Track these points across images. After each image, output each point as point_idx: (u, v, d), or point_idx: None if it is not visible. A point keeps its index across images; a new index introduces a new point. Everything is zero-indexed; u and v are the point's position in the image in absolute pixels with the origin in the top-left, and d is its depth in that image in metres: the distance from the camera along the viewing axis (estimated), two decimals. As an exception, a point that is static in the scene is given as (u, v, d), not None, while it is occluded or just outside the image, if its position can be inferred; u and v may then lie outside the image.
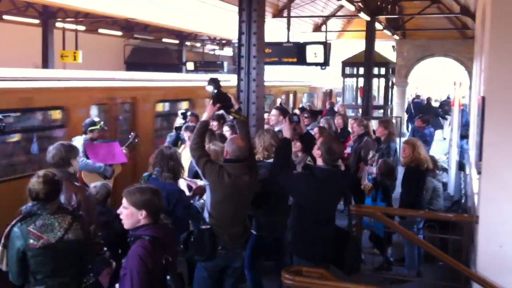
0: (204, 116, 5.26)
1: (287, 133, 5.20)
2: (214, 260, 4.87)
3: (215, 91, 5.24)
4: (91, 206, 4.71)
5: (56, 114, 8.31)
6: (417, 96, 25.45)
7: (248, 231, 5.29)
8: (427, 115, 15.38)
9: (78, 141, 7.33)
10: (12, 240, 3.80)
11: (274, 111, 8.86)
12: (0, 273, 4.01)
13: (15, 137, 7.76)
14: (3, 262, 3.91)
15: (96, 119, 7.74)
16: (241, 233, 5.06)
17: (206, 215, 4.98)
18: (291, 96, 18.66)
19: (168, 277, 3.59)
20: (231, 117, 5.88)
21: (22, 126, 7.88)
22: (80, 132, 7.56)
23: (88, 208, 4.60)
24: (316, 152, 4.92)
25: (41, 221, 3.81)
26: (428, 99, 21.13)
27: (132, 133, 8.42)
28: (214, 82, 5.28)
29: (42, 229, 3.79)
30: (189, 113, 8.81)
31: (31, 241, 3.76)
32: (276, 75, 16.46)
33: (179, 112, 9.00)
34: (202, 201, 5.45)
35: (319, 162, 4.92)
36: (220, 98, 5.22)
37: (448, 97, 24.20)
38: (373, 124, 11.40)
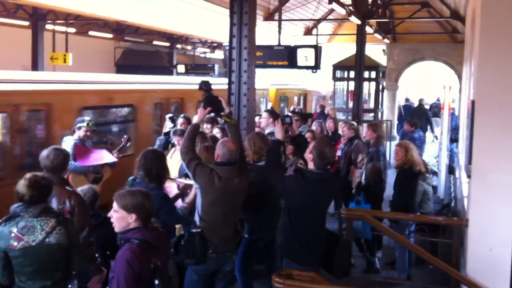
0: (195, 119, 5.23)
1: (279, 135, 5.20)
2: (205, 263, 4.85)
3: (206, 94, 5.23)
4: (85, 210, 4.72)
5: (128, 111, 10.37)
6: (407, 100, 25.51)
7: (239, 234, 5.26)
8: (416, 118, 15.32)
9: (69, 142, 7.27)
10: None
11: (264, 114, 8.83)
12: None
13: (104, 127, 9.95)
14: None
15: (87, 118, 7.68)
16: (232, 236, 5.04)
17: (196, 218, 4.96)
18: (301, 98, 20.97)
19: (156, 281, 3.56)
20: (222, 121, 5.87)
21: (108, 119, 10.11)
22: (145, 125, 8.88)
23: (82, 212, 4.60)
24: (308, 155, 4.92)
25: (23, 223, 3.80)
26: (420, 101, 21.17)
27: (125, 136, 8.37)
28: (205, 85, 5.26)
29: (24, 231, 3.78)
30: (182, 115, 8.74)
31: (12, 242, 3.76)
32: (288, 79, 19.02)
33: (167, 117, 8.92)
34: (185, 205, 5.40)
35: (311, 165, 4.92)
36: (211, 101, 5.21)
37: (438, 100, 24.29)
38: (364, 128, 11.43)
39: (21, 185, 3.86)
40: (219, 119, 6.50)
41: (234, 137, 5.19)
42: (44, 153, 4.74)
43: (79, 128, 7.40)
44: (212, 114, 5.61)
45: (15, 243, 3.75)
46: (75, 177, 7.09)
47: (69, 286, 3.95)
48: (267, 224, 5.76)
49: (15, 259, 3.78)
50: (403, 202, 7.04)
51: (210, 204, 4.88)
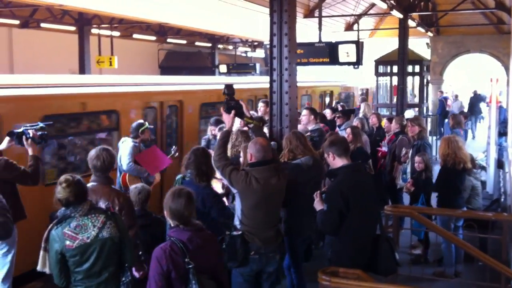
0: (225, 126, 5.37)
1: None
2: (248, 265, 4.83)
3: (228, 98, 5.42)
4: (132, 210, 4.81)
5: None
6: (441, 92, 24.76)
7: (280, 235, 5.19)
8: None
9: (128, 143, 7.58)
10: (51, 243, 3.94)
11: (304, 111, 8.85)
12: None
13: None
14: (46, 265, 4.03)
15: (141, 121, 7.96)
16: (274, 237, 5.00)
17: (236, 222, 4.95)
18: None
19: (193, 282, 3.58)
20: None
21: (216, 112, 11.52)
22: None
23: (130, 212, 4.70)
24: (330, 156, 4.88)
25: (75, 223, 3.92)
26: (475, 92, 20.94)
27: (174, 147, 8.67)
28: (228, 88, 5.44)
29: (77, 230, 3.90)
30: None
31: (67, 242, 3.88)
32: (347, 78, 20.65)
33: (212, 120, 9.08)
34: (233, 204, 5.45)
35: (338, 162, 4.86)
36: (232, 106, 5.36)
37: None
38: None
39: (61, 191, 3.92)
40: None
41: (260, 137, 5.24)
42: (93, 153, 4.75)
43: (143, 132, 7.66)
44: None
45: (71, 243, 3.88)
46: (131, 177, 7.45)
47: (123, 278, 4.07)
48: (301, 222, 5.67)
49: (72, 258, 3.90)
50: (447, 203, 6.90)
51: (250, 207, 4.85)
